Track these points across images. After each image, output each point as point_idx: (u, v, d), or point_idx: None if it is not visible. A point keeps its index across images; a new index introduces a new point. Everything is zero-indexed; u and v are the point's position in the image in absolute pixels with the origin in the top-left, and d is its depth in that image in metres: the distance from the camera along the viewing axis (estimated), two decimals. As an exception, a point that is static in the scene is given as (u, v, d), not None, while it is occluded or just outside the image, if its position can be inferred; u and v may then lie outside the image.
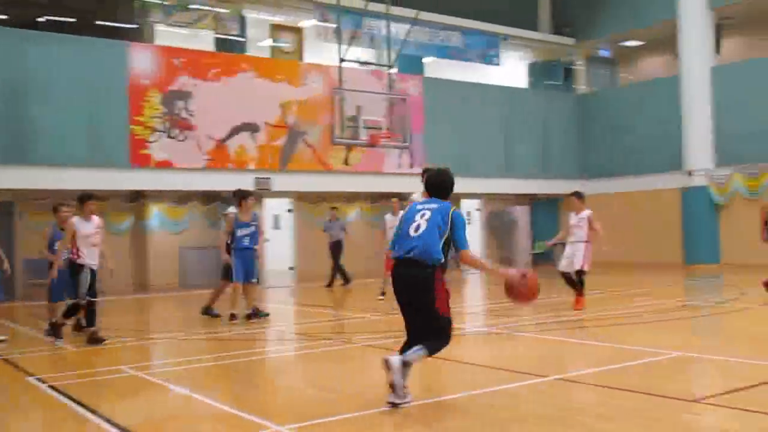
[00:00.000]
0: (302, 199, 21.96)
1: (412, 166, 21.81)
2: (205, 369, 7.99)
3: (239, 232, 11.64)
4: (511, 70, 26.72)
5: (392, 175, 21.79)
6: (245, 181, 19.18)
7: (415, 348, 5.62)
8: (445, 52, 23.66)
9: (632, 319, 10.80)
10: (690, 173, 22.72)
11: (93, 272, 9.59)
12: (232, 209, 11.94)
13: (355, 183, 21.21)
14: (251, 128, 19.29)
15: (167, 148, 18.07)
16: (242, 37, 20.46)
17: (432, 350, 5.70)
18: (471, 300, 16.04)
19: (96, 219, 9.76)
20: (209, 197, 20.22)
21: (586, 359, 7.51)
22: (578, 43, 27.15)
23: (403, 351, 5.71)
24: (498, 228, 25.11)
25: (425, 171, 6.95)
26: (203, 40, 20.68)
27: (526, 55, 27.88)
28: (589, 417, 5.22)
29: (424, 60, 24.51)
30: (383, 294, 14.24)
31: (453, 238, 5.72)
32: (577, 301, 11.90)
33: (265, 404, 6.24)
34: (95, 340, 9.47)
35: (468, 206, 25.79)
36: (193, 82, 18.48)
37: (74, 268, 9.49)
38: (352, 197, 22.54)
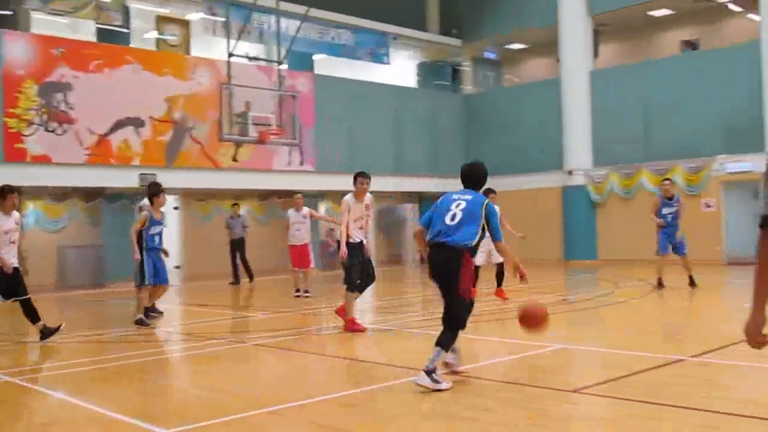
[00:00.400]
0: (189, 196, 21.49)
1: (302, 163, 21.74)
2: (87, 372, 7.70)
3: (152, 230, 10.91)
4: (401, 70, 27.06)
5: (282, 173, 21.64)
6: (129, 178, 18.61)
7: (435, 353, 5.96)
8: (335, 50, 23.69)
9: (514, 313, 11.15)
10: (570, 172, 23.70)
11: (16, 270, 9.18)
12: (146, 203, 11.27)
13: (243, 180, 20.92)
14: (135, 123, 18.69)
15: (45, 142, 17.26)
16: (126, 28, 19.78)
17: (447, 347, 6.07)
18: (363, 298, 16.11)
19: (16, 214, 9.28)
20: (90, 194, 19.45)
21: (472, 354, 7.71)
22: (465, 45, 27.80)
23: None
24: (387, 226, 25.38)
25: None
26: (84, 30, 19.87)
27: (415, 55, 28.31)
28: (472, 410, 5.37)
29: (315, 57, 24.46)
30: (299, 291, 14.27)
31: (489, 229, 6.19)
32: (499, 292, 12.73)
33: (150, 407, 6.07)
34: (49, 332, 9.33)
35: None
36: (73, 74, 17.73)
37: None
38: (240, 195, 22.23)
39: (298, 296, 14.25)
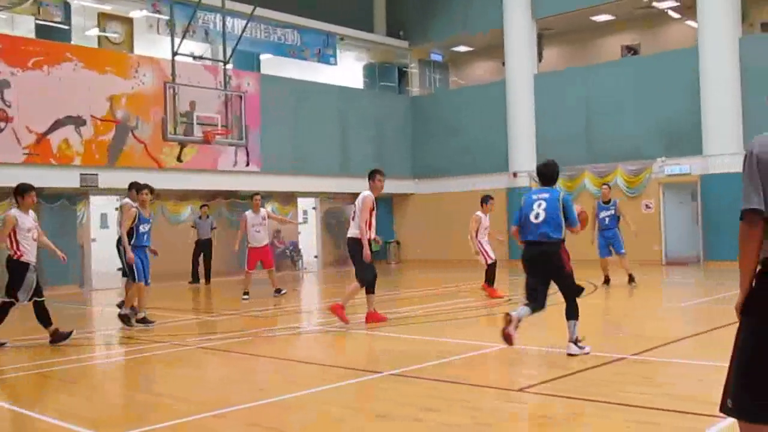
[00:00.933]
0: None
1: (248, 164, 21.54)
2: (25, 378, 7.49)
3: (142, 228, 10.92)
4: (347, 71, 27.04)
5: (228, 173, 21.41)
6: (70, 177, 18.18)
7: (570, 326, 7.37)
8: (281, 50, 23.55)
9: (462, 313, 11.27)
10: (515, 174, 24.01)
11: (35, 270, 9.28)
12: (129, 201, 11.15)
13: (188, 181, 20.61)
14: (76, 121, 18.27)
15: (-20, 141, 16.75)
16: (67, 24, 19.31)
17: (575, 315, 7.44)
18: (306, 299, 16.09)
19: (32, 212, 9.39)
20: (29, 194, 18.93)
21: (419, 354, 7.75)
22: (412, 47, 27.94)
23: (528, 306, 7.43)
24: (334, 226, 25.33)
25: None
26: (23, 26, 19.34)
27: (362, 56, 28.33)
28: (420, 410, 5.40)
29: (261, 57, 24.29)
30: (247, 294, 14.09)
31: (567, 218, 7.38)
32: (491, 291, 13.28)
33: (93, 413, 5.94)
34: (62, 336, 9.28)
35: (305, 205, 25.83)
36: (10, 70, 17.23)
37: (17, 265, 9.12)
38: (185, 195, 21.91)
39: (246, 299, 14.03)
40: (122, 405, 6.23)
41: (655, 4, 23.23)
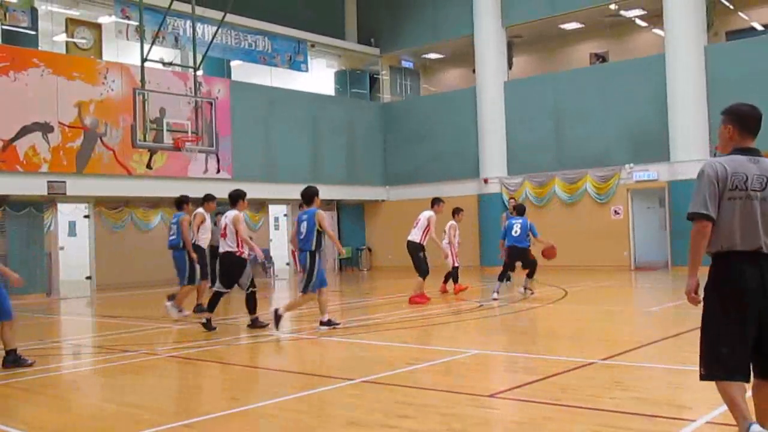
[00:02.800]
0: (101, 204, 20.86)
1: (219, 171, 21.42)
2: (-10, 389, 7.36)
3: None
4: (319, 77, 27.02)
5: (198, 180, 21.25)
6: (37, 185, 17.93)
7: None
8: (252, 56, 23.48)
9: (432, 320, 11.29)
10: (485, 181, 24.15)
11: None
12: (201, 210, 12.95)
13: (158, 188, 20.42)
14: (44, 128, 18.04)
15: (-55, 148, 16.47)
16: (34, 30, 19.07)
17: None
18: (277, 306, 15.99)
19: None
20: (-5, 201, 18.65)
21: (391, 361, 7.75)
22: (383, 54, 28.00)
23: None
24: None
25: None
26: (-12, 31, 19.08)
27: (333, 63, 28.33)
28: (391, 417, 5.40)
29: (231, 63, 24.18)
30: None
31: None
32: (457, 287, 15.04)
33: (60, 424, 5.85)
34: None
35: (275, 212, 25.72)
36: (-25, 77, 16.99)
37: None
38: (156, 202, 21.72)
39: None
40: (91, 415, 6.14)
41: (622, 12, 23.54)
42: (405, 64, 29.32)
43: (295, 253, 15.15)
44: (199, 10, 16.26)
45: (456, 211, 15.69)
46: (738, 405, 3.91)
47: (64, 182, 18.36)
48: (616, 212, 21.78)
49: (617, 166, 21.70)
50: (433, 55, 28.80)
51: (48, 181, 18.05)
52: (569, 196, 22.64)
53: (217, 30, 17.38)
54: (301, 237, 10.21)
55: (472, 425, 5.21)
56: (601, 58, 24.92)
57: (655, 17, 22.59)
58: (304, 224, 10.19)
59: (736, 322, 3.94)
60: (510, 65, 25.41)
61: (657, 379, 6.64)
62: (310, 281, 10.18)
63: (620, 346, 8.20)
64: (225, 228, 10.69)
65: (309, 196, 10.41)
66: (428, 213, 14.33)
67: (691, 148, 19.99)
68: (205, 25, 20.39)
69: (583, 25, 24.78)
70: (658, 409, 5.37)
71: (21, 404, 6.55)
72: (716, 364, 3.98)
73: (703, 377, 4.08)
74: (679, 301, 13.04)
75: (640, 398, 5.74)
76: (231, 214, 10.75)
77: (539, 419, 5.27)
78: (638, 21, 24.30)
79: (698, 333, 4.16)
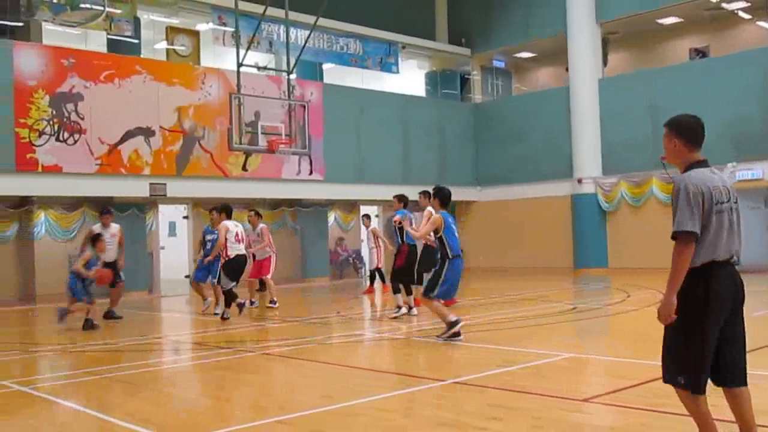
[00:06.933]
0: (199, 205, 21.54)
1: (311, 172, 21.76)
2: (96, 382, 7.72)
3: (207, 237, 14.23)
4: (409, 79, 27.09)
5: (291, 182, 21.69)
6: (140, 187, 18.69)
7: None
8: (344, 59, 23.76)
9: (525, 322, 11.14)
10: (579, 181, 23.65)
11: None
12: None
13: (253, 189, 20.96)
14: (146, 132, 18.78)
15: (56, 152, 17.37)
16: (136, 38, 19.89)
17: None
18: (368, 306, 16.13)
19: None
20: (101, 203, 19.51)
21: (481, 363, 7.70)
22: (474, 54, 27.82)
23: None
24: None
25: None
26: (95, 40, 20.00)
27: (424, 64, 28.35)
28: (482, 419, 5.36)
29: (324, 66, 24.53)
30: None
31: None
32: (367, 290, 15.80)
33: (160, 417, 6.08)
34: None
35: (367, 212, 25.92)
36: (83, 84, 17.84)
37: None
38: (250, 204, 22.25)
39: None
40: (187, 409, 6.35)
41: (724, 5, 22.63)
42: (496, 63, 29.03)
43: None
44: (293, 15, 16.57)
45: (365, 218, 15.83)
46: (708, 414, 4.20)
47: (164, 184, 19.06)
48: (717, 213, 20.94)
49: (719, 165, 20.80)
50: (524, 54, 28.41)
51: (150, 183, 18.78)
52: (668, 197, 21.90)
53: (310, 34, 17.66)
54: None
55: (564, 430, 5.11)
56: (701, 53, 23.99)
57: (759, 9, 21.61)
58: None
59: (715, 333, 4.12)
60: (605, 62, 24.81)
61: (762, 388, 6.34)
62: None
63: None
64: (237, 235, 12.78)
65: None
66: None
67: (800, 145, 19.02)
68: (298, 30, 20.77)
69: (681, 20, 23.93)
70: (764, 419, 5.13)
71: (124, 397, 6.84)
72: (702, 374, 4.14)
73: (679, 385, 4.18)
74: (787, 306, 12.43)
75: (743, 406, 5.49)
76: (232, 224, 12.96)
77: (635, 426, 5.12)
78: (741, 13, 23.29)
79: None
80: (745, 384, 4.29)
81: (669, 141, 4.31)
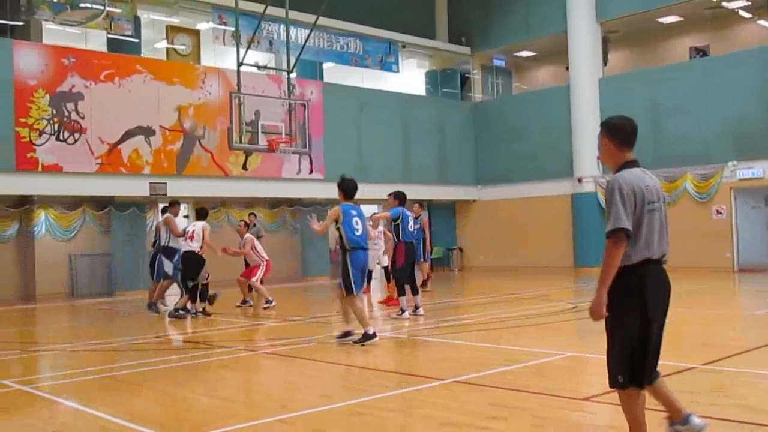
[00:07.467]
0: (199, 204, 21.53)
1: (311, 171, 21.77)
2: (97, 381, 7.72)
3: None
4: (410, 78, 27.09)
5: (291, 181, 21.68)
6: (140, 186, 18.69)
7: None
8: (344, 58, 23.75)
9: (525, 321, 11.13)
10: (580, 180, 23.64)
11: None
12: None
13: (253, 188, 20.96)
14: (146, 132, 18.79)
15: (56, 152, 17.37)
16: (137, 38, 19.89)
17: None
18: (370, 305, 16.12)
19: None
20: (101, 203, 19.54)
21: (481, 362, 7.69)
22: (474, 53, 27.81)
23: None
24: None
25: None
26: (95, 40, 20.00)
27: (424, 63, 28.34)
28: (483, 419, 5.35)
29: (324, 66, 24.52)
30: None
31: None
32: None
33: (160, 416, 6.08)
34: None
35: (367, 212, 25.90)
36: (84, 83, 17.85)
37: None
38: (251, 203, 22.28)
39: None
40: (189, 408, 6.35)
41: (724, 4, 22.61)
42: (496, 62, 29.02)
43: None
44: (293, 15, 16.57)
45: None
46: (642, 414, 4.23)
47: (165, 183, 19.07)
48: (718, 212, 20.94)
49: (719, 164, 20.84)
50: (525, 53, 28.40)
51: (150, 183, 18.79)
52: (667, 195, 21.88)
53: (310, 33, 17.67)
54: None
55: (565, 429, 5.11)
56: (701, 52, 23.97)
57: (760, 8, 21.60)
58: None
59: (656, 329, 4.19)
60: (605, 61, 24.80)
61: (760, 387, 6.34)
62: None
63: (722, 351, 7.88)
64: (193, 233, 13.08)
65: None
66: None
67: (800, 144, 19.01)
68: (298, 29, 20.76)
69: (682, 19, 23.93)
70: (761, 417, 5.13)
71: (125, 396, 6.83)
72: (635, 372, 4.15)
73: (619, 385, 4.21)
74: (787, 305, 12.43)
75: (743, 405, 5.50)
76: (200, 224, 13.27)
77: (636, 424, 5.11)
78: (741, 12, 23.28)
79: None
80: (659, 373, 4.34)
81: (603, 141, 4.41)
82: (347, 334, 9.30)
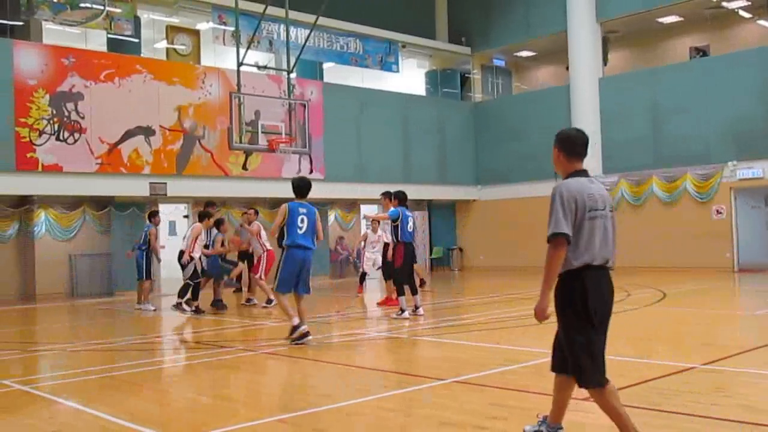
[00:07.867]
0: (199, 204, 21.53)
1: (311, 171, 21.77)
2: (97, 381, 7.72)
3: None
4: (410, 78, 27.09)
5: (292, 181, 21.65)
6: (140, 186, 18.69)
7: None
8: (344, 58, 23.75)
9: (526, 321, 11.13)
10: (580, 180, 23.60)
11: None
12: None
13: (253, 188, 20.96)
14: (146, 132, 18.78)
15: (56, 152, 17.37)
16: (136, 38, 19.89)
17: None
18: (369, 305, 16.12)
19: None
20: (101, 202, 19.54)
21: (481, 362, 7.70)
22: (474, 53, 27.82)
23: None
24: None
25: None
26: (95, 40, 19.99)
27: (424, 63, 28.34)
28: (483, 418, 5.35)
29: (324, 66, 24.52)
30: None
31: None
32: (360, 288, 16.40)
33: (160, 416, 6.08)
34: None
35: (367, 212, 25.93)
36: (84, 83, 17.85)
37: None
38: (251, 202, 22.24)
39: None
40: (189, 408, 6.35)
41: (724, 4, 22.62)
42: (496, 62, 29.03)
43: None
44: (293, 15, 16.57)
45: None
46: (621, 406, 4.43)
47: (164, 183, 19.06)
48: (718, 212, 20.94)
49: (719, 163, 20.85)
50: (525, 53, 28.41)
51: (150, 183, 18.78)
52: (668, 195, 21.92)
53: (310, 33, 17.67)
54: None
55: (565, 429, 5.10)
56: (701, 52, 23.98)
57: (760, 8, 21.59)
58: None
59: (602, 332, 4.41)
60: (605, 61, 24.80)
61: (761, 386, 6.34)
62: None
63: (722, 351, 7.88)
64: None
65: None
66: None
67: (800, 144, 19.01)
68: (298, 29, 20.76)
69: (682, 18, 23.93)
70: (762, 417, 5.13)
71: (126, 396, 6.83)
72: (598, 372, 4.38)
73: (589, 385, 4.40)
74: (787, 305, 12.43)
75: (744, 405, 5.50)
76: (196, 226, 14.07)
77: (637, 425, 5.11)
78: (741, 12, 23.28)
79: None
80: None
81: (554, 151, 4.60)
82: (295, 329, 9.27)
